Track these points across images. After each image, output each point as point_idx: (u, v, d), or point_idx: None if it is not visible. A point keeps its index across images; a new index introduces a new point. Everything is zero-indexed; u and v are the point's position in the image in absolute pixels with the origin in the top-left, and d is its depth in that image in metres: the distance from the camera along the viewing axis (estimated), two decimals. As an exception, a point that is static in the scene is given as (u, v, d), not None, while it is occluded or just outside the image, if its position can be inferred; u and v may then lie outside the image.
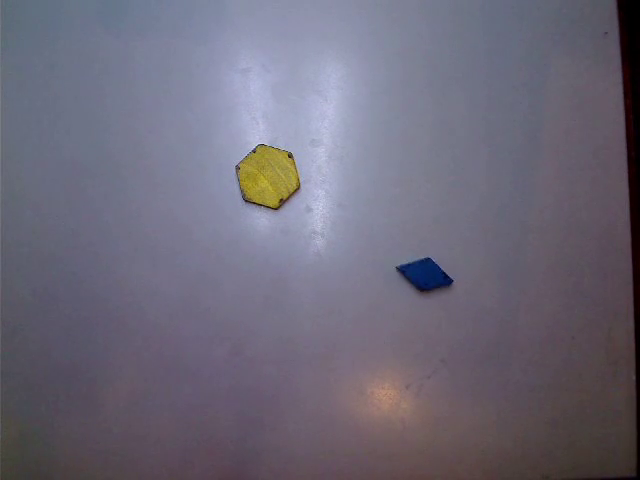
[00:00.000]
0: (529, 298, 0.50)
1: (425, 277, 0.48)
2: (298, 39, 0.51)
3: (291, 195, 0.50)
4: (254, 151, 0.49)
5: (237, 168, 0.49)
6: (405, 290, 0.50)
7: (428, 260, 0.49)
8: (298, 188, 0.50)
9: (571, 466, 0.49)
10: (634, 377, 0.50)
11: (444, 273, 0.49)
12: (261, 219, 0.50)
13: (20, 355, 0.48)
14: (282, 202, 0.49)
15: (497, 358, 0.50)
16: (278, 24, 0.51)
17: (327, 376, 0.49)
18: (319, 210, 0.50)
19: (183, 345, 0.48)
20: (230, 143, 0.50)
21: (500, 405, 0.49)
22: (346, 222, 0.50)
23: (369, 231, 0.50)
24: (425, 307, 0.50)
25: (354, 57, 0.51)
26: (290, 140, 0.50)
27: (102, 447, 0.47)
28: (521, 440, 0.49)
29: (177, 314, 0.48)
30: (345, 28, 0.52)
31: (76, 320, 0.48)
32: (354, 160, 0.50)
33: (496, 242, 0.50)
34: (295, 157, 0.50)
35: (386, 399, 0.49)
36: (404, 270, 0.49)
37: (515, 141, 0.51)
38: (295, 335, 0.49)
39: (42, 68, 0.50)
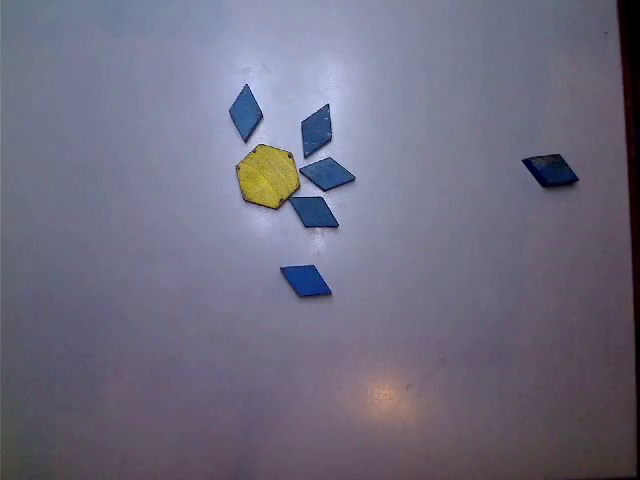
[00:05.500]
0: (529, 298, 0.50)
1: (305, 283, 0.48)
2: (298, 39, 0.51)
3: (291, 195, 0.50)
4: (254, 151, 0.49)
5: (237, 168, 0.49)
6: (405, 290, 0.50)
7: (311, 267, 0.48)
8: (298, 188, 0.50)
9: (571, 466, 0.49)
10: (634, 377, 0.50)
11: (324, 283, 0.48)
12: (261, 219, 0.50)
13: (20, 355, 0.48)
14: (282, 202, 0.49)
15: (497, 358, 0.50)
16: (278, 24, 0.51)
17: (327, 376, 0.49)
18: (319, 210, 0.50)
19: (183, 345, 0.48)
20: (230, 143, 0.50)
21: (500, 405, 0.49)
22: (346, 222, 0.50)
23: (369, 231, 0.50)
24: (425, 307, 0.50)
25: (354, 57, 0.51)
26: (290, 140, 0.50)
27: (102, 446, 0.47)
28: (521, 440, 0.49)
29: (177, 314, 0.48)
30: (345, 28, 0.52)
31: (76, 320, 0.48)
32: (354, 160, 0.50)
33: (496, 242, 0.50)
34: (295, 157, 0.50)
35: (386, 399, 0.49)
36: (285, 272, 0.48)
37: (515, 141, 0.51)
38: (295, 335, 0.49)
39: (42, 68, 0.50)
